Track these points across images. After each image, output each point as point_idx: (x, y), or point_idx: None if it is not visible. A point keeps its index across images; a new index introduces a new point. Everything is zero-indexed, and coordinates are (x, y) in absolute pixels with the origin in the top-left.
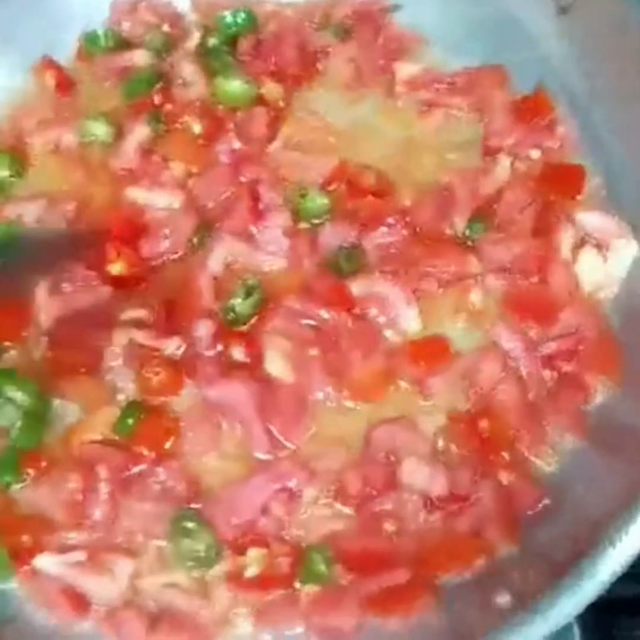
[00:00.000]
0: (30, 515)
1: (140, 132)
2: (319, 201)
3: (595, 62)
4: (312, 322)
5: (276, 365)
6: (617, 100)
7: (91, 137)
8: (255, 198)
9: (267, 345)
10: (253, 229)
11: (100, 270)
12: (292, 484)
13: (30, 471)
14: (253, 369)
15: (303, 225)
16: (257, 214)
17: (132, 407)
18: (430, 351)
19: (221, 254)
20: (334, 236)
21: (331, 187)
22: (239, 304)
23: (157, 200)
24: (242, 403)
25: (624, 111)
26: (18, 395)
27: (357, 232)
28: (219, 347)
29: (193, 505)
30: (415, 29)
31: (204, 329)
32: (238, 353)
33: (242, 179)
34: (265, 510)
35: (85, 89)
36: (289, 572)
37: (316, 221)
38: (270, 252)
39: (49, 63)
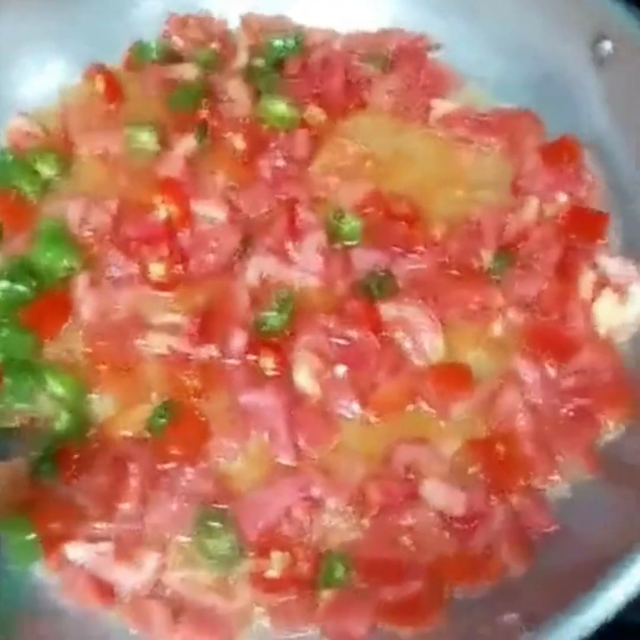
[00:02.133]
0: (63, 505)
1: (186, 143)
2: (353, 223)
3: (626, 114)
4: (341, 340)
5: (304, 378)
6: None
7: (137, 145)
8: (293, 216)
9: (296, 359)
10: (289, 245)
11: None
12: (315, 492)
13: (65, 462)
14: (282, 380)
15: (337, 246)
16: (294, 232)
17: (165, 407)
18: (452, 377)
19: (258, 268)
20: (366, 260)
21: (365, 211)
22: (272, 316)
23: (208, 211)
24: (272, 412)
25: None
26: (59, 388)
27: (388, 257)
28: (251, 357)
29: (219, 506)
30: (455, 67)
31: (238, 339)
32: (269, 364)
33: (282, 197)
34: (288, 515)
35: (133, 97)
36: (308, 575)
37: (350, 243)
38: (305, 269)
39: (99, 68)
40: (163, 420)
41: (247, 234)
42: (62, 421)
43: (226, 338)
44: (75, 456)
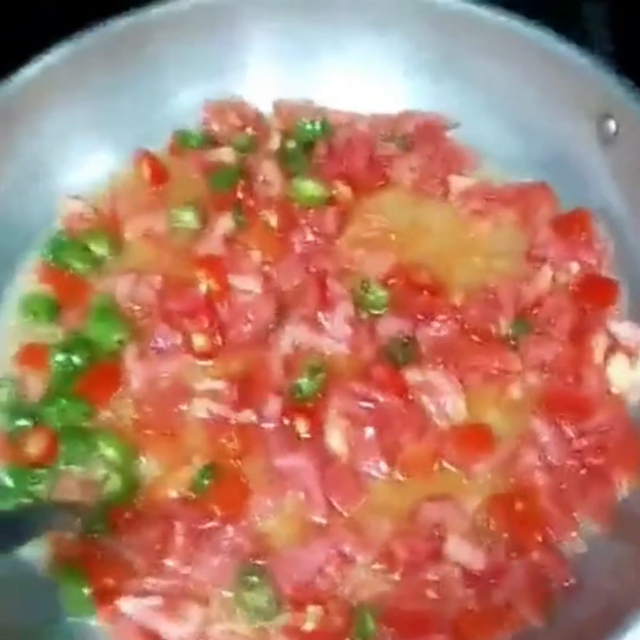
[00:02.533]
0: (114, 561)
1: (225, 222)
2: (379, 294)
3: (633, 188)
4: (369, 404)
5: (336, 440)
6: None
7: (180, 224)
8: (323, 288)
9: (328, 422)
10: (320, 315)
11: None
12: (346, 549)
13: (116, 521)
14: (314, 442)
15: (363, 315)
16: (325, 303)
17: (208, 469)
18: (474, 438)
19: (291, 336)
20: (391, 327)
21: (390, 282)
22: (305, 383)
23: (245, 285)
24: (306, 472)
25: None
26: (110, 452)
27: (411, 325)
28: (286, 421)
29: (258, 562)
30: (472, 145)
31: (273, 404)
32: (302, 427)
33: (312, 270)
34: (321, 571)
35: (176, 179)
36: (341, 627)
37: (376, 312)
38: (334, 337)
39: (146, 154)
40: (206, 481)
41: (281, 305)
42: (113, 482)
43: (262, 404)
44: (125, 516)
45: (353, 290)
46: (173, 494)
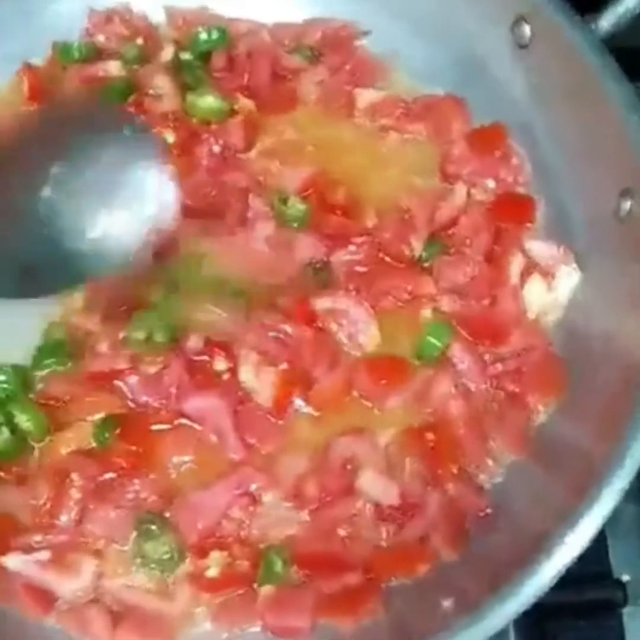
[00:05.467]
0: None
1: None
2: (299, 206)
3: (549, 97)
4: (278, 335)
5: (249, 376)
6: (569, 135)
7: None
8: (244, 205)
9: (241, 359)
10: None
11: None
12: (252, 488)
13: (4, 476)
14: (226, 382)
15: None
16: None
17: (106, 422)
18: (388, 368)
19: None
20: (306, 249)
21: (306, 193)
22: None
23: None
24: (218, 415)
25: (574, 146)
26: None
27: (326, 249)
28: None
29: (158, 510)
30: (383, 55)
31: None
32: (221, 365)
33: (226, 185)
34: (226, 514)
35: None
36: (247, 572)
37: (295, 225)
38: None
39: (25, 68)
40: (107, 434)
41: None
42: (3, 437)
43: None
44: (14, 468)
45: (271, 204)
46: (72, 446)
